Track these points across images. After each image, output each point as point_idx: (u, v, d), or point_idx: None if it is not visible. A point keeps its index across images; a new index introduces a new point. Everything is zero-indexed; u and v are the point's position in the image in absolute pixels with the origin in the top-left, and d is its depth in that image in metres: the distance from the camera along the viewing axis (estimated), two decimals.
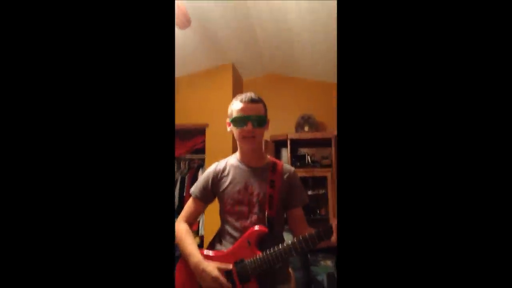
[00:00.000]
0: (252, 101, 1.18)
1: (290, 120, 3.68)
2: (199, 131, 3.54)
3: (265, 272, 1.10)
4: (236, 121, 1.18)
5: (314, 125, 3.59)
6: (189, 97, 3.57)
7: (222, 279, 1.07)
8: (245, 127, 1.16)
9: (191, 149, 3.72)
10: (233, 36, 3.00)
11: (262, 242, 1.12)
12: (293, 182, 1.22)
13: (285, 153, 3.58)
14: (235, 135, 1.21)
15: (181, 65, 3.42)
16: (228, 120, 1.22)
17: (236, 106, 1.19)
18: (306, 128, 3.62)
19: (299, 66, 3.56)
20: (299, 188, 1.24)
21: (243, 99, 1.18)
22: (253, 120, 1.16)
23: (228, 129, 1.24)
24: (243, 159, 1.24)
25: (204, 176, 1.27)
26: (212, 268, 1.08)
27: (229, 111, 1.22)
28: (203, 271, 1.08)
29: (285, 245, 1.08)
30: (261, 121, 1.18)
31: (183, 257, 1.17)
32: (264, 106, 1.22)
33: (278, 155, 3.72)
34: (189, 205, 1.27)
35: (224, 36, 2.97)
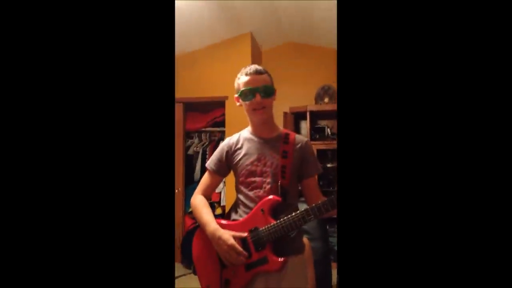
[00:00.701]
0: (257, 72, 1.18)
1: (309, 91, 3.60)
2: (219, 104, 3.56)
3: (280, 240, 1.12)
4: (244, 94, 1.18)
5: (334, 96, 3.50)
6: (208, 70, 3.55)
7: (238, 246, 1.11)
8: (253, 99, 1.17)
9: (211, 122, 3.77)
10: (251, 4, 2.90)
11: (276, 211, 1.14)
12: (306, 152, 1.23)
13: (305, 126, 3.54)
14: (244, 109, 1.22)
15: (199, 38, 3.38)
16: (236, 95, 1.23)
17: (242, 79, 1.20)
18: (326, 100, 3.55)
19: (319, 34, 3.42)
20: (312, 158, 1.25)
21: (248, 72, 1.19)
22: (261, 91, 1.17)
23: (238, 104, 1.25)
24: (255, 132, 1.26)
25: (218, 149, 1.29)
26: (228, 236, 1.12)
27: (236, 86, 1.23)
28: (219, 238, 1.13)
29: (298, 212, 1.10)
30: (269, 91, 1.19)
31: (200, 225, 1.21)
32: (270, 76, 1.23)
33: (297, 127, 3.68)
34: (205, 178, 1.31)
35: (241, 4, 2.89)
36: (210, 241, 1.17)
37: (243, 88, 1.18)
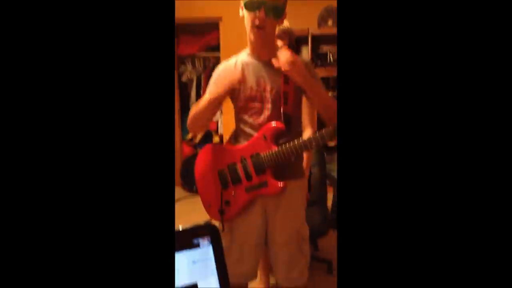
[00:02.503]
0: None
1: (312, 13, 3.34)
2: (212, 26, 3.33)
3: (280, 165, 1.13)
4: (249, 4, 1.07)
5: None
6: None
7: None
8: (257, 12, 1.06)
9: (204, 46, 3.57)
10: None
11: (278, 137, 1.14)
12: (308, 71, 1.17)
13: (306, 51, 3.38)
14: (245, 22, 1.11)
15: None
16: (242, 4, 1.11)
17: None
18: (330, 23, 3.32)
19: None
20: (315, 77, 1.18)
21: None
22: (268, 7, 1.05)
23: (240, 13, 1.13)
24: (253, 53, 1.17)
25: (215, 72, 1.23)
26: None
27: None
28: (217, 77, 1.13)
29: (300, 140, 1.09)
30: (277, 11, 1.07)
31: (203, 107, 1.15)
32: None
33: (297, 53, 3.51)
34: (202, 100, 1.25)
35: None
36: (213, 161, 1.19)
37: None
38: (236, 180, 1.17)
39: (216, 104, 1.15)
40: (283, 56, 1.05)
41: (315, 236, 1.87)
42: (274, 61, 1.08)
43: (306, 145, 1.09)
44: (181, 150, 3.68)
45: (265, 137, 1.13)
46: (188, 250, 0.51)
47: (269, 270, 1.80)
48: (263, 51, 1.15)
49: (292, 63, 1.04)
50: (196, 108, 1.17)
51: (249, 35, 1.13)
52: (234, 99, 1.20)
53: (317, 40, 3.34)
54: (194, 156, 3.41)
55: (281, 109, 1.13)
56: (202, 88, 3.52)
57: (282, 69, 1.06)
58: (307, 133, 1.41)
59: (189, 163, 3.44)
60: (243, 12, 1.10)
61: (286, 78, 1.12)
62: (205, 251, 0.53)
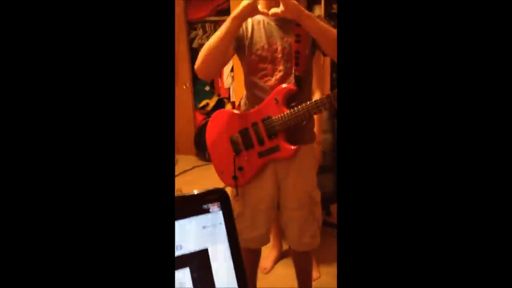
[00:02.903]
0: None
1: None
2: None
3: (291, 129, 1.11)
4: None
5: None
6: None
7: None
8: None
9: (215, 10, 3.44)
10: None
11: (290, 100, 1.11)
12: None
13: (318, 11, 3.21)
14: None
15: None
16: None
17: None
18: None
19: None
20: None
21: None
22: None
23: None
24: (264, 8, 1.09)
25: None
26: None
27: None
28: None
29: (313, 101, 1.07)
30: None
31: (225, 32, 1.03)
32: None
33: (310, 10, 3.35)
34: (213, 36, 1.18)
35: None
36: (225, 127, 1.17)
37: None
38: (249, 145, 1.16)
39: (228, 38, 1.04)
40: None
41: (327, 202, 1.87)
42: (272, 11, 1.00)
43: (319, 106, 1.06)
44: (194, 118, 3.67)
45: (276, 100, 1.10)
46: (198, 215, 0.51)
47: (281, 235, 1.84)
48: (275, 7, 1.08)
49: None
50: (207, 45, 1.06)
51: None
52: (244, 60, 1.15)
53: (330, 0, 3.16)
54: (206, 124, 3.41)
55: (293, 70, 1.09)
56: None
57: (280, 14, 0.99)
58: (317, 96, 1.37)
59: (202, 131, 3.44)
60: None
61: (297, 37, 1.07)
62: (215, 217, 0.52)
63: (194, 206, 0.51)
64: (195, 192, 0.52)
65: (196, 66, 1.10)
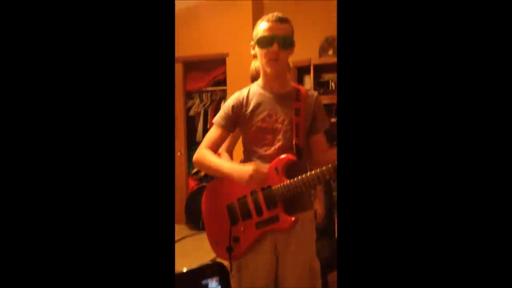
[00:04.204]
0: (279, 20, 1.11)
1: (313, 44, 3.43)
2: (220, 62, 3.43)
3: (291, 198, 1.10)
4: (262, 42, 1.10)
5: None
6: (207, 25, 3.37)
7: (260, 166, 1.09)
8: (270, 47, 1.09)
9: (212, 81, 3.65)
10: None
11: (290, 170, 1.11)
12: (316, 108, 1.19)
13: (308, 80, 3.43)
14: (259, 58, 1.14)
15: None
16: (252, 43, 1.15)
17: (262, 26, 1.11)
18: (331, 52, 3.40)
19: None
20: (322, 113, 1.21)
21: (270, 18, 1.11)
22: (279, 40, 1.09)
23: (252, 52, 1.17)
24: (266, 85, 1.19)
25: (226, 104, 1.23)
26: (248, 165, 1.10)
27: (254, 33, 1.15)
28: (240, 170, 1.10)
29: (313, 172, 1.07)
30: (288, 43, 1.11)
31: (214, 173, 1.18)
32: (292, 27, 1.14)
33: (300, 82, 3.57)
34: (211, 133, 1.23)
35: None
36: (221, 196, 1.16)
37: (262, 35, 1.10)
38: (246, 215, 1.13)
39: (218, 176, 1.18)
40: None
41: (324, 272, 1.76)
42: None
43: (319, 177, 1.05)
44: (186, 185, 3.64)
45: (276, 170, 1.10)
46: None
47: None
48: (276, 83, 1.17)
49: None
50: (203, 161, 1.18)
51: (263, 69, 1.15)
52: (244, 129, 1.19)
53: (319, 69, 3.42)
54: (198, 190, 3.35)
55: (293, 141, 1.12)
56: (209, 121, 3.55)
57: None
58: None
59: (193, 198, 3.36)
60: (255, 50, 1.14)
61: (297, 111, 1.13)
62: None
63: (192, 282, 0.50)
64: (185, 269, 0.51)
65: (194, 162, 1.22)
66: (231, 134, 1.25)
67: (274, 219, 1.09)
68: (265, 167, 1.08)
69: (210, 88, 3.68)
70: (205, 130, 3.64)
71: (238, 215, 1.14)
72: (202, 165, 1.20)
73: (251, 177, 1.06)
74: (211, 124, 1.23)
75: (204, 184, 3.51)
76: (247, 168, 1.07)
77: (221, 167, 1.14)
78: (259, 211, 1.11)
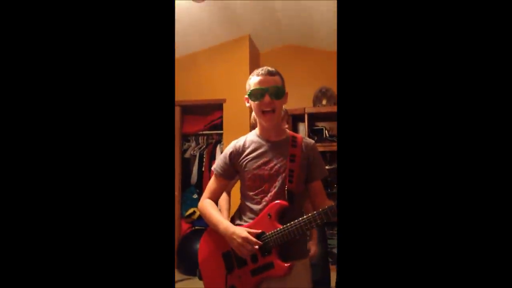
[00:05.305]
0: (269, 73, 1.18)
1: (308, 94, 3.59)
2: (217, 107, 3.53)
3: (286, 244, 1.10)
4: (254, 94, 1.17)
5: (332, 98, 3.50)
6: (206, 72, 3.52)
7: (252, 238, 1.09)
8: (263, 99, 1.15)
9: (208, 125, 3.73)
10: (250, 6, 2.89)
11: (283, 215, 1.13)
12: (313, 156, 1.22)
13: (303, 128, 3.52)
14: (254, 110, 1.21)
15: (196, 40, 3.35)
16: (246, 96, 1.22)
17: (253, 80, 1.19)
18: (324, 102, 3.54)
19: (318, 37, 3.42)
20: (319, 162, 1.24)
21: (260, 72, 1.18)
22: (270, 91, 1.15)
23: (247, 104, 1.23)
24: (262, 134, 1.24)
25: (224, 153, 1.27)
26: (241, 229, 1.12)
27: (247, 87, 1.22)
28: (233, 233, 1.11)
29: (305, 217, 1.08)
30: (279, 93, 1.17)
31: (212, 227, 1.20)
32: (281, 78, 1.21)
33: (295, 129, 3.67)
34: (211, 182, 1.28)
35: (240, 5, 2.87)
36: (217, 243, 1.15)
37: (253, 88, 1.17)
38: (242, 262, 1.12)
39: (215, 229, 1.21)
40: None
41: None
42: None
43: (311, 222, 1.07)
44: (179, 228, 3.56)
45: (269, 216, 1.11)
46: None
47: None
48: (272, 133, 1.22)
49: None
50: (206, 213, 1.22)
51: (259, 120, 1.21)
52: (242, 175, 1.22)
53: (313, 118, 3.53)
54: (191, 233, 3.27)
55: (286, 187, 1.14)
56: (204, 163, 3.57)
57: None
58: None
59: (186, 241, 3.27)
60: (250, 103, 1.21)
61: (292, 157, 1.16)
62: None
63: None
64: None
65: (198, 208, 1.29)
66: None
67: (269, 266, 1.09)
68: (255, 241, 1.09)
69: (206, 132, 3.75)
70: (200, 173, 3.65)
71: (234, 262, 1.13)
72: (203, 215, 1.25)
73: (238, 245, 1.09)
74: (206, 168, 1.26)
75: (196, 227, 3.44)
76: (237, 235, 1.10)
77: (217, 226, 1.17)
78: (254, 258, 1.11)
